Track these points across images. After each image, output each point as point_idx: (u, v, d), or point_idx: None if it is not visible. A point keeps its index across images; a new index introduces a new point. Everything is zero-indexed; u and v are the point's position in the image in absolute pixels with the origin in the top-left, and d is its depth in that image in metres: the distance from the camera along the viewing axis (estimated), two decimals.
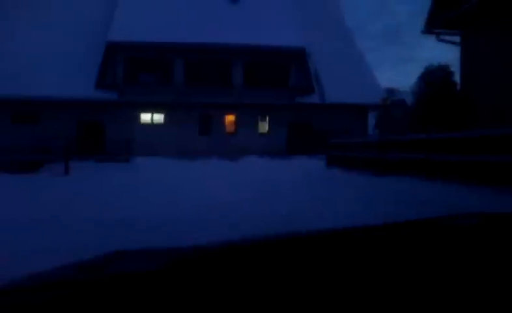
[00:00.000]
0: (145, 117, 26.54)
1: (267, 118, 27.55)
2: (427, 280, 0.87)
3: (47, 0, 28.81)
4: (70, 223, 6.02)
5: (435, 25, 14.14)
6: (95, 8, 28.54)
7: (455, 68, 15.07)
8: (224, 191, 9.58)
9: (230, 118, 27.26)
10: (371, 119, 31.04)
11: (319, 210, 7.10)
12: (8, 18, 26.76)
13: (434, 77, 17.26)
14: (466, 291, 0.83)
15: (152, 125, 26.44)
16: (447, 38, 14.52)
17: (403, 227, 1.40)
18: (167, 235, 5.13)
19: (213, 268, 0.95)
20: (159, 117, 26.60)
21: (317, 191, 9.65)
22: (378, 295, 0.81)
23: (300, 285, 0.86)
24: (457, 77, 15.38)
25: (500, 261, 1.00)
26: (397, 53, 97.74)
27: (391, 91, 34.19)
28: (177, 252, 1.18)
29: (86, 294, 0.83)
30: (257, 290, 0.83)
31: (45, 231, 5.45)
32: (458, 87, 15.15)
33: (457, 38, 14.28)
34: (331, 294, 0.81)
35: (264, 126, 27.63)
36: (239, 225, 5.82)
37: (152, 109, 26.30)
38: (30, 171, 16.86)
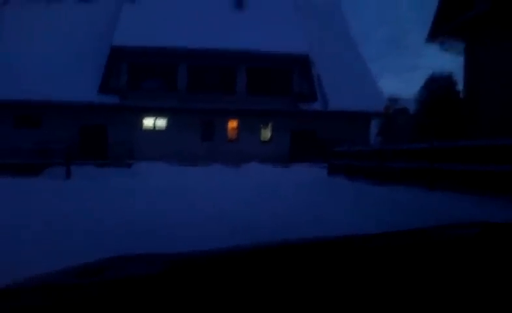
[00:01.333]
0: (148, 122, 26.58)
1: (270, 125, 27.57)
2: (426, 290, 0.86)
3: (51, 4, 28.98)
4: (66, 230, 5.96)
5: (439, 33, 14.12)
6: (99, 12, 28.70)
7: (459, 76, 15.05)
8: (230, 199, 9.49)
9: (232, 124, 27.28)
10: (374, 127, 31.00)
11: (318, 217, 7.05)
12: (11, 22, 26.88)
13: (437, 86, 17.28)
14: (467, 301, 0.83)
15: (154, 130, 26.48)
16: (451, 46, 14.49)
17: (403, 237, 1.39)
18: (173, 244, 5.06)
19: (209, 275, 0.95)
20: (161, 123, 26.64)
21: (318, 199, 9.61)
22: (376, 306, 0.80)
23: (296, 293, 0.85)
24: (460, 86, 15.37)
25: (501, 270, 1.00)
26: (401, 61, 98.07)
27: (394, 99, 34.20)
28: (175, 257, 1.18)
29: (81, 299, 0.83)
30: (253, 298, 0.82)
31: (39, 238, 5.38)
32: (462, 96, 15.13)
33: (461, 47, 14.25)
34: (328, 303, 0.81)
35: (266, 133, 27.64)
36: (245, 230, 5.80)
37: (155, 114, 26.35)
38: (31, 174, 16.86)
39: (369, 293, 0.85)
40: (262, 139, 27.42)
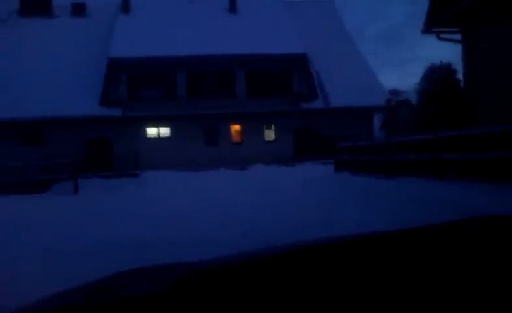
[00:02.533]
0: (151, 131, 26.64)
1: (273, 126, 27.55)
2: (436, 285, 0.90)
3: (50, 21, 29.12)
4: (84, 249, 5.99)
5: (435, 24, 14.09)
6: (95, 25, 28.77)
7: (458, 65, 15.03)
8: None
9: (235, 128, 27.30)
10: (376, 121, 30.99)
11: (330, 216, 7.13)
12: (12, 40, 26.99)
13: (437, 76, 17.30)
14: (477, 291, 0.87)
15: (158, 139, 26.52)
16: (448, 36, 14.47)
17: (415, 234, 1.40)
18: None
19: (218, 288, 0.95)
20: (164, 131, 26.69)
21: (328, 196, 9.68)
22: (392, 305, 0.84)
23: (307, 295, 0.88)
24: (460, 75, 15.36)
25: (509, 261, 1.03)
26: (399, 54, 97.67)
27: (395, 92, 34.18)
28: (185, 268, 1.17)
29: None
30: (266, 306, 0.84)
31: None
32: (462, 84, 15.12)
33: (458, 36, 14.24)
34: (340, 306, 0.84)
35: (270, 134, 27.64)
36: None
37: (157, 123, 26.38)
38: (39, 191, 16.90)
39: (382, 291, 0.88)
40: (266, 140, 27.41)
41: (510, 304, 0.83)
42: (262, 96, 26.65)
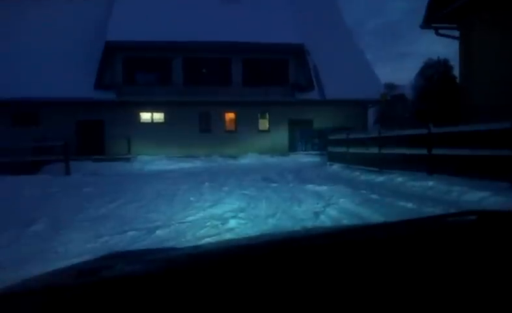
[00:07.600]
0: (145, 116, 26.48)
1: (267, 115, 27.47)
2: (426, 278, 0.88)
3: (47, 1, 28.81)
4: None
5: (434, 19, 14.07)
6: (92, 7, 28.52)
7: (454, 62, 15.00)
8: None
9: (230, 116, 27.20)
10: (371, 114, 30.94)
11: (319, 209, 7.13)
12: (7, 20, 26.72)
13: (433, 72, 17.29)
14: (466, 286, 0.85)
15: (152, 124, 26.36)
16: (446, 32, 14.45)
17: (403, 226, 1.40)
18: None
19: (208, 274, 0.93)
20: (159, 116, 26.53)
21: (319, 189, 9.69)
22: (381, 297, 0.81)
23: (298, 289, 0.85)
24: (457, 72, 15.34)
25: (496, 256, 1.03)
26: (396, 49, 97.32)
27: (391, 86, 34.12)
28: (173, 253, 1.18)
29: (77, 299, 0.83)
30: (253, 298, 0.82)
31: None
32: (458, 81, 15.10)
33: (456, 32, 14.22)
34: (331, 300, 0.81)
35: (264, 124, 27.54)
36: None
37: (152, 108, 26.22)
38: (30, 172, 16.75)
39: (372, 285, 0.85)
40: (260, 129, 27.34)
41: (499, 298, 0.81)
42: (258, 85, 26.51)
